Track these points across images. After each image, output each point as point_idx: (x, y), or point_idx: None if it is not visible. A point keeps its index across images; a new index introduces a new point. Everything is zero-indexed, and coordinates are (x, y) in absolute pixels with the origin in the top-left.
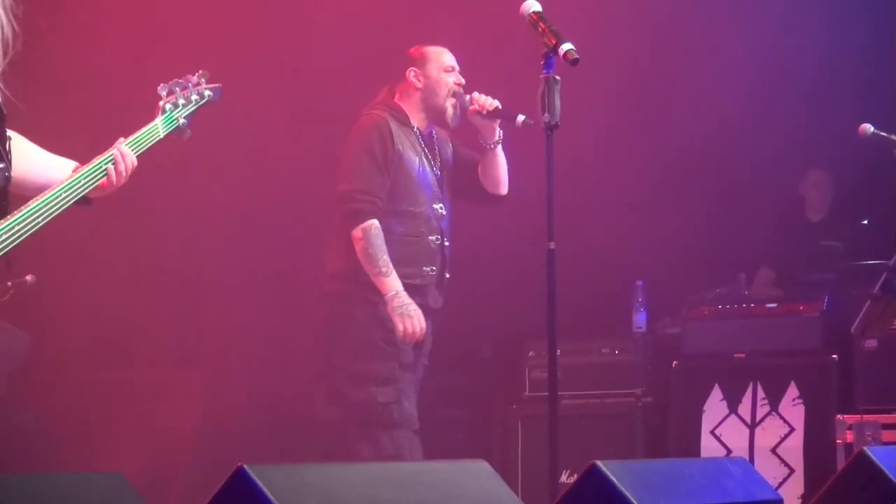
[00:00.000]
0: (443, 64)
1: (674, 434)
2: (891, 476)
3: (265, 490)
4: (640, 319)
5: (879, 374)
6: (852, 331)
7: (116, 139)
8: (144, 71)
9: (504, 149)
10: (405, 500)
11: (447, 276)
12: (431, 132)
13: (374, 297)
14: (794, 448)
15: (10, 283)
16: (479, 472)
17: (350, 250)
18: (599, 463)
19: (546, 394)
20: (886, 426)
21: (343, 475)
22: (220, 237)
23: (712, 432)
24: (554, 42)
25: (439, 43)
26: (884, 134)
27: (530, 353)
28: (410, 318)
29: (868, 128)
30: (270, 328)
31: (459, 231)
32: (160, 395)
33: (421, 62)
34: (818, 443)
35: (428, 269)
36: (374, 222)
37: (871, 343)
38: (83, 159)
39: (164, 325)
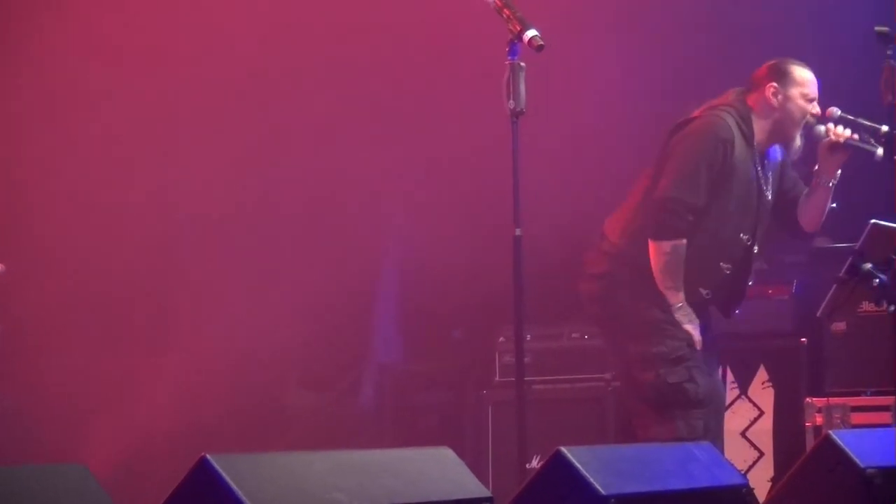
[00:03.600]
0: (807, 93)
1: None
2: (856, 459)
3: (228, 480)
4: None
5: (849, 358)
6: (818, 314)
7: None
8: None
9: (472, 134)
10: (370, 488)
11: (736, 312)
12: (768, 153)
13: (650, 279)
14: (764, 431)
15: None
16: (443, 459)
17: (637, 236)
18: (564, 449)
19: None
20: (855, 409)
21: (309, 463)
22: (193, 225)
23: None
24: (518, 29)
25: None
26: (850, 117)
27: (500, 339)
28: (694, 327)
29: (835, 111)
30: (243, 315)
31: (433, 216)
32: (132, 384)
33: (784, 81)
34: (788, 426)
35: (704, 291)
36: (684, 243)
37: (840, 326)
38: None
39: (136, 313)
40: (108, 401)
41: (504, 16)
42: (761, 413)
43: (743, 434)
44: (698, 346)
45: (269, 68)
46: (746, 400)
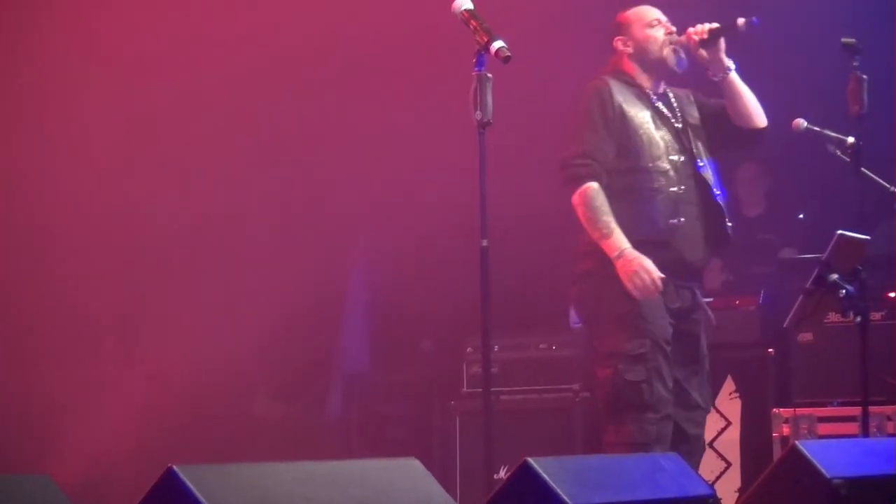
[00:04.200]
0: (645, 20)
1: None
2: (823, 470)
3: (195, 491)
4: (577, 315)
5: (815, 368)
6: (785, 325)
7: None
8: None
9: (439, 145)
10: (338, 499)
11: (729, 224)
12: (665, 91)
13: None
14: (731, 442)
15: None
16: (411, 470)
17: None
18: (531, 460)
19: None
20: (822, 419)
21: (276, 474)
22: (162, 236)
23: None
24: (485, 40)
25: None
26: (817, 129)
27: (468, 349)
28: (635, 272)
29: (801, 123)
30: (211, 325)
31: (401, 227)
32: (99, 393)
33: (625, 28)
34: (755, 436)
35: (674, 220)
36: (591, 185)
37: (807, 337)
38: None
39: (103, 323)
40: (75, 410)
41: (471, 27)
42: (728, 423)
43: (710, 445)
44: (653, 287)
45: (244, 82)
46: (714, 410)
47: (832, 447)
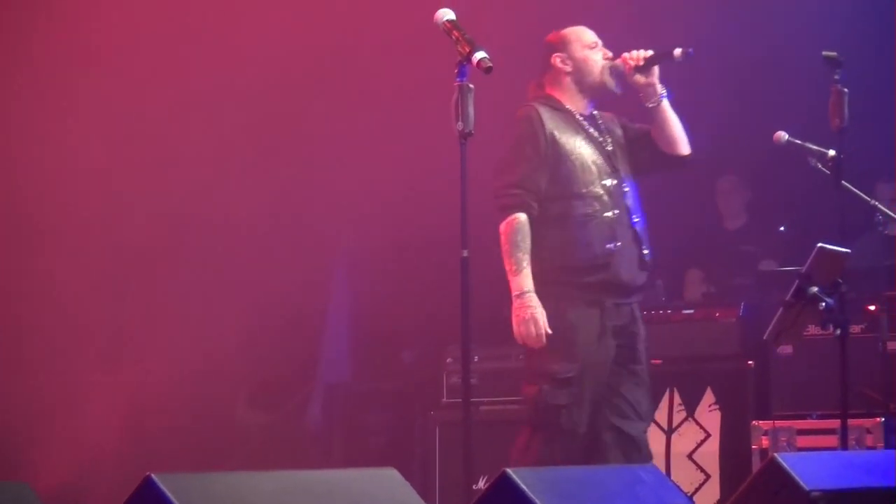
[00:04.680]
0: (585, 41)
1: None
2: (801, 482)
3: (173, 499)
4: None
5: (795, 381)
6: (765, 337)
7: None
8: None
9: (421, 155)
10: None
11: (645, 251)
12: (593, 114)
13: (559, 292)
14: (710, 454)
15: None
16: (389, 480)
17: (536, 248)
18: (510, 470)
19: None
20: (801, 432)
21: (255, 483)
22: (145, 244)
23: None
24: (467, 50)
25: None
26: (798, 142)
27: (448, 360)
28: (525, 320)
29: (783, 135)
30: (192, 333)
31: (386, 234)
32: (79, 400)
33: (563, 45)
34: (734, 449)
35: (611, 245)
36: (518, 217)
37: (787, 349)
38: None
39: (85, 330)
40: (54, 417)
41: (453, 37)
42: (708, 435)
43: (689, 457)
44: (537, 341)
45: (227, 86)
46: (693, 422)
47: (811, 460)
